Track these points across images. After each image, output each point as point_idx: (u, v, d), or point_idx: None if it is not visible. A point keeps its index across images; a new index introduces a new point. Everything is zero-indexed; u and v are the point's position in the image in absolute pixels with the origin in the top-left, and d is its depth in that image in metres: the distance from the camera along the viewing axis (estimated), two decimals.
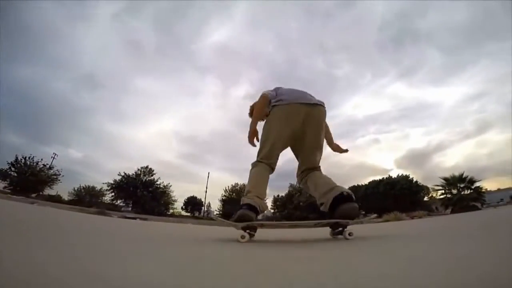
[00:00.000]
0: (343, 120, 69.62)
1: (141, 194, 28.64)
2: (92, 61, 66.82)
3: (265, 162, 1.85)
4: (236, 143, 64.79)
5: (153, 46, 72.72)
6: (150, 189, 30.71)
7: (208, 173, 41.45)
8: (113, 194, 30.08)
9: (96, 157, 60.10)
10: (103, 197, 38.27)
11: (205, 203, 44.64)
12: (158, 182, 31.62)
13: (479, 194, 17.27)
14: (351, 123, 70.10)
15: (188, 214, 43.06)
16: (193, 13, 72.47)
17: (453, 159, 63.48)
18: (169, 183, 32.65)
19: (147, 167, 31.78)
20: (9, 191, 26.12)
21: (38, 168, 29.69)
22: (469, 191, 17.58)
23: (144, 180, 30.93)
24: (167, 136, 70.46)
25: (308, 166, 1.94)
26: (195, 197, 45.19)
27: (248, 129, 1.96)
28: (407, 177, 29.83)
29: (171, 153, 68.74)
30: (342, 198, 1.61)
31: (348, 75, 73.94)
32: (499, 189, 32.65)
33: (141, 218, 16.27)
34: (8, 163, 28.09)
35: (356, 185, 33.48)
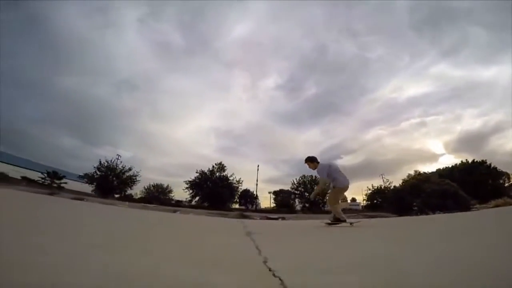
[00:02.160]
0: (382, 104, 67.41)
1: (221, 191, 29.46)
2: (127, 65, 70.69)
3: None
4: (270, 134, 65.63)
5: (180, 46, 75.10)
6: (225, 182, 31.46)
7: (258, 165, 41.60)
8: (191, 191, 31.09)
9: (142, 156, 62.98)
10: (170, 193, 39.81)
11: (256, 195, 45.39)
12: (231, 178, 32.46)
13: None
14: (391, 107, 67.55)
15: (243, 207, 44.28)
16: (211, 10, 73.71)
17: None
18: (240, 178, 33.51)
19: (220, 163, 32.57)
20: (94, 193, 27.71)
21: (118, 170, 30.96)
22: None
23: (219, 176, 31.75)
24: (205, 132, 72.91)
25: None
26: (248, 190, 46.33)
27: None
28: (483, 162, 29.57)
29: (210, 148, 70.73)
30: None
31: (383, 58, 71.41)
32: None
33: (281, 218, 16.91)
34: (94, 167, 29.52)
35: (422, 172, 33.42)
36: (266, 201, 45.84)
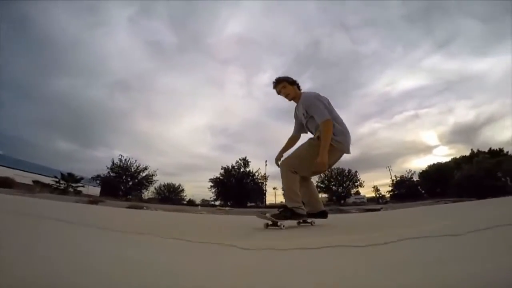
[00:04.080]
0: (376, 98, 69.08)
1: (250, 187, 27.74)
2: (119, 65, 72.26)
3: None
4: (266, 131, 65.23)
5: (172, 44, 75.42)
6: (249, 179, 29.81)
7: (266, 161, 40.25)
8: (215, 189, 28.99)
9: (138, 156, 61.22)
10: (182, 193, 37.49)
11: (266, 191, 44.19)
12: (256, 173, 30.78)
13: None
14: (385, 100, 69.52)
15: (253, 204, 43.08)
16: (203, 7, 73.39)
17: (508, 132, 62.36)
18: (265, 173, 31.85)
19: (245, 158, 30.67)
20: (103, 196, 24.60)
21: (132, 170, 27.92)
22: None
23: (245, 171, 29.95)
24: (201, 130, 72.04)
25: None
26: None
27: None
28: (500, 150, 30.72)
29: (207, 146, 69.58)
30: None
31: (377, 51, 73.04)
32: None
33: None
34: (107, 167, 26.19)
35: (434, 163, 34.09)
36: (270, 196, 44.69)
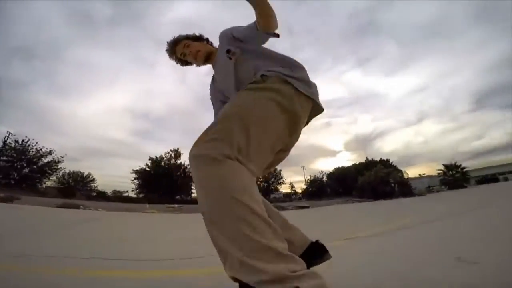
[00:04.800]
0: None
1: (180, 180, 26.80)
2: (27, 30, 61.81)
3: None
4: (196, 120, 64.05)
5: (105, 15, 64.26)
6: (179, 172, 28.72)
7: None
8: (137, 182, 26.57)
9: (30, 134, 49.41)
10: (92, 183, 32.60)
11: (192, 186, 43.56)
12: (188, 167, 29.75)
13: (464, 175, 27.15)
14: None
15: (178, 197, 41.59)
16: None
17: (392, 145, 79.91)
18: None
19: (177, 149, 29.04)
20: None
21: (32, 154, 22.37)
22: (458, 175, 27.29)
23: (175, 164, 28.54)
24: (119, 112, 63.76)
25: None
26: None
27: None
28: (388, 161, 39.49)
29: (124, 131, 62.34)
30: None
31: (310, 59, 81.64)
32: (420, 176, 45.03)
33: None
34: None
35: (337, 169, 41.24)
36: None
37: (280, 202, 24.07)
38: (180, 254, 1.89)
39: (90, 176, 32.03)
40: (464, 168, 28.78)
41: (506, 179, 37.01)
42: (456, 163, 29.50)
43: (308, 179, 38.79)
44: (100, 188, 33.69)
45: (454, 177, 27.79)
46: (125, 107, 64.71)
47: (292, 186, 41.48)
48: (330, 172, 40.21)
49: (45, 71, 62.15)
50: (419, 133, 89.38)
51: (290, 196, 38.89)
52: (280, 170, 36.74)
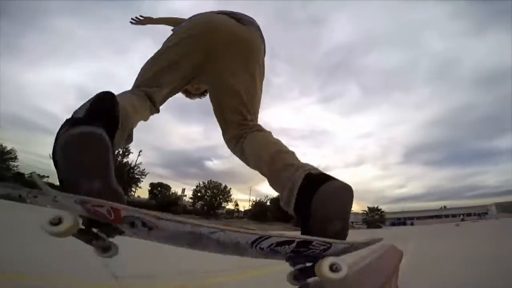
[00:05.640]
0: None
1: (124, 179, 25.59)
2: None
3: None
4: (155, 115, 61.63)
5: None
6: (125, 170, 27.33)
7: (140, 151, 38.37)
8: None
9: None
10: (12, 161, 27.69)
11: (139, 187, 41.15)
12: (135, 167, 28.51)
13: (381, 217, 32.54)
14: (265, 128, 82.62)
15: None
16: None
17: None
18: (144, 169, 29.69)
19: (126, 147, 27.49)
20: None
21: None
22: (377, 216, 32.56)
23: (121, 162, 27.08)
24: (65, 86, 56.83)
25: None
26: None
27: None
28: None
29: (62, 107, 55.49)
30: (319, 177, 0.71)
31: (281, 85, 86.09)
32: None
33: None
34: None
35: None
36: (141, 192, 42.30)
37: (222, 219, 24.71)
38: None
39: (12, 153, 27.06)
40: (383, 212, 34.77)
41: (412, 224, 45.04)
42: (377, 206, 35.63)
43: (253, 201, 40.54)
44: (21, 169, 28.42)
45: (373, 218, 33.02)
46: (75, 84, 57.82)
47: (237, 204, 42.55)
48: (274, 198, 42.49)
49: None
50: (356, 174, 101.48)
51: (232, 214, 39.72)
52: (230, 188, 37.34)
